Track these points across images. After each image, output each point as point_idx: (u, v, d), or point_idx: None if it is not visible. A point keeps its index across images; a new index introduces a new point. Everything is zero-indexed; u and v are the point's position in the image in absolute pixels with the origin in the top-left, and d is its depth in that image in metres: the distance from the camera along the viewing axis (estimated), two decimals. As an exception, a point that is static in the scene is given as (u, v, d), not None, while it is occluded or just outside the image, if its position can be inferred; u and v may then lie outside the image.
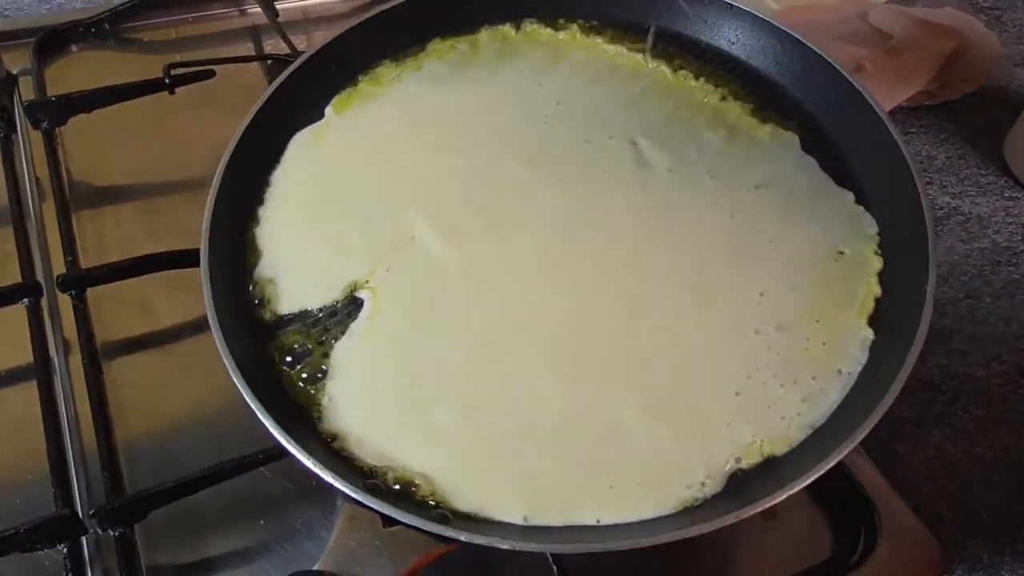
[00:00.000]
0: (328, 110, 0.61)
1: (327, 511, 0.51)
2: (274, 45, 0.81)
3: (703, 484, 0.44)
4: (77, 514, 0.46)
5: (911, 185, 0.52)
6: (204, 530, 0.49)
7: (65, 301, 0.57)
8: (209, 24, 0.85)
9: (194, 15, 0.83)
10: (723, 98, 0.61)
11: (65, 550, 0.46)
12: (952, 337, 0.64)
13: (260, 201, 0.56)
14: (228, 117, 0.75)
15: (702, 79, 0.62)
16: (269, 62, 0.73)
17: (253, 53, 0.81)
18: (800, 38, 0.59)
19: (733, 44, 0.63)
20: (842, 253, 0.52)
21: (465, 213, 0.55)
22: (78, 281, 0.57)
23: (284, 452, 0.48)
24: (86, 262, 0.61)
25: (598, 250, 0.53)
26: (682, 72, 0.62)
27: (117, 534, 0.46)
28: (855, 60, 0.80)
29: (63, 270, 0.59)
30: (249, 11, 0.85)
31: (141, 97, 0.69)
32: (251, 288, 0.52)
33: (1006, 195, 0.76)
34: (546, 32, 0.65)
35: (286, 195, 0.57)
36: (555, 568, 0.45)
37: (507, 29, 0.65)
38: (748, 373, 0.48)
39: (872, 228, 0.53)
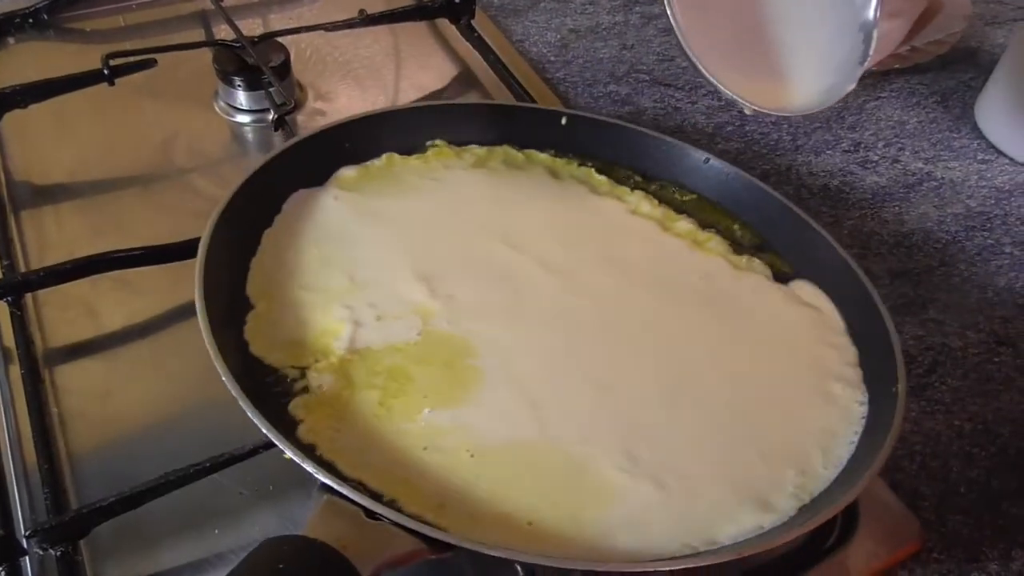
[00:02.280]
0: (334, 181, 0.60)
1: (287, 518, 0.49)
2: (227, 31, 0.78)
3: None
4: (14, 534, 0.43)
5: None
6: (155, 543, 0.47)
7: (2, 308, 0.54)
8: (155, 11, 0.81)
9: (138, 2, 0.79)
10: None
11: (4, 573, 0.44)
12: (927, 307, 0.63)
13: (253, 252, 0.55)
14: (175, 107, 0.72)
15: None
16: (215, 48, 0.70)
17: (203, 39, 0.78)
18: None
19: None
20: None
21: (464, 288, 0.54)
22: (14, 287, 0.54)
23: (235, 459, 0.46)
24: (27, 265, 0.58)
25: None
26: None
27: (59, 553, 0.44)
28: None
29: (-1, 275, 0.56)
30: (194, -4, 0.82)
31: (80, 90, 0.66)
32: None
33: (979, 158, 0.75)
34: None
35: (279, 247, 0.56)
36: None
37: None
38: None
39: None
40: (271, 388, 0.48)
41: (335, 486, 0.39)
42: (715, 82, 0.55)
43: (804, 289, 0.57)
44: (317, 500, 0.40)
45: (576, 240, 0.58)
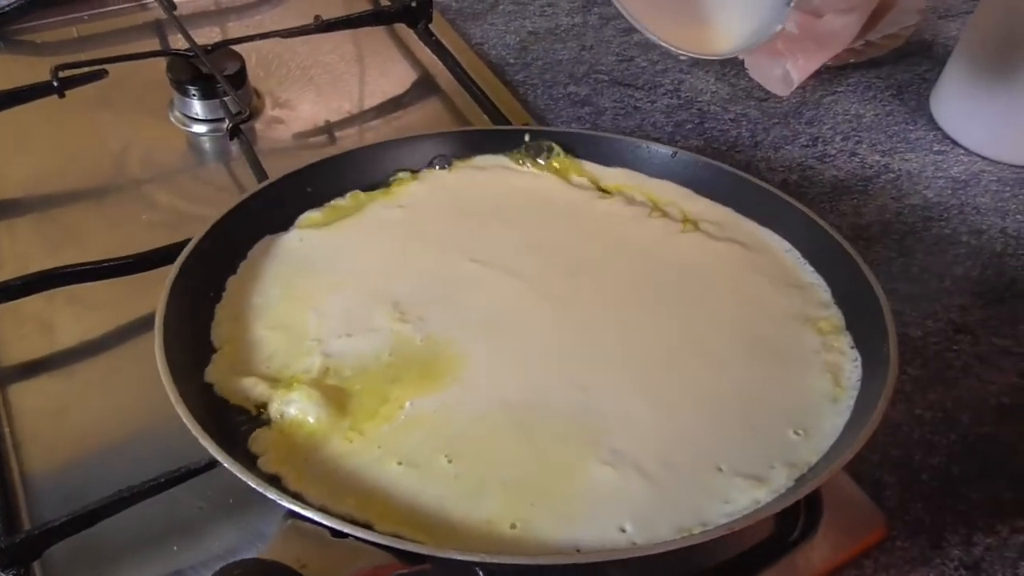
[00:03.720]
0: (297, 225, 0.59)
1: (248, 531, 0.48)
2: (183, 41, 0.77)
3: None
4: (-39, 559, 0.42)
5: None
6: (113, 562, 0.46)
7: (-49, 327, 0.54)
8: (109, 21, 0.81)
9: (89, 12, 0.78)
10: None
11: (-46, 599, 0.43)
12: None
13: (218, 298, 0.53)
14: (129, 118, 0.72)
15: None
16: (168, 58, 0.69)
17: (158, 49, 0.77)
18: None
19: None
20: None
21: (433, 307, 0.53)
22: (-37, 306, 0.53)
23: (191, 473, 0.46)
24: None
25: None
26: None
27: (11, 576, 0.43)
28: (779, 22, 0.78)
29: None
30: (150, 5, 0.81)
31: (30, 102, 0.65)
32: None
33: (935, 149, 0.76)
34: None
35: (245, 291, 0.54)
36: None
37: None
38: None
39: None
40: (235, 421, 0.47)
41: (300, 511, 0.38)
42: (645, 30, 0.55)
43: (786, 260, 0.58)
44: (281, 524, 0.40)
45: (546, 239, 0.58)
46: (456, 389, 0.48)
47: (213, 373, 0.49)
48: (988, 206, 0.71)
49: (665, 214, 0.61)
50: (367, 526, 0.41)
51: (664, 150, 0.63)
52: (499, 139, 0.64)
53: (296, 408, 0.46)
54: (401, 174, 0.62)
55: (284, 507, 0.39)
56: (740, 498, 0.43)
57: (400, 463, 0.44)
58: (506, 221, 0.60)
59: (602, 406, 0.48)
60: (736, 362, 0.51)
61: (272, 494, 0.39)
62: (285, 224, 0.58)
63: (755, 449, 0.46)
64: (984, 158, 0.75)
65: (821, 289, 0.56)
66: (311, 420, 0.46)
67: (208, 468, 0.45)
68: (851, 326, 0.53)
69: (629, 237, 0.59)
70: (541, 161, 0.64)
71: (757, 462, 0.45)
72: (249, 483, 0.40)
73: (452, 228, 0.59)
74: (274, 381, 0.48)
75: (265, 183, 0.57)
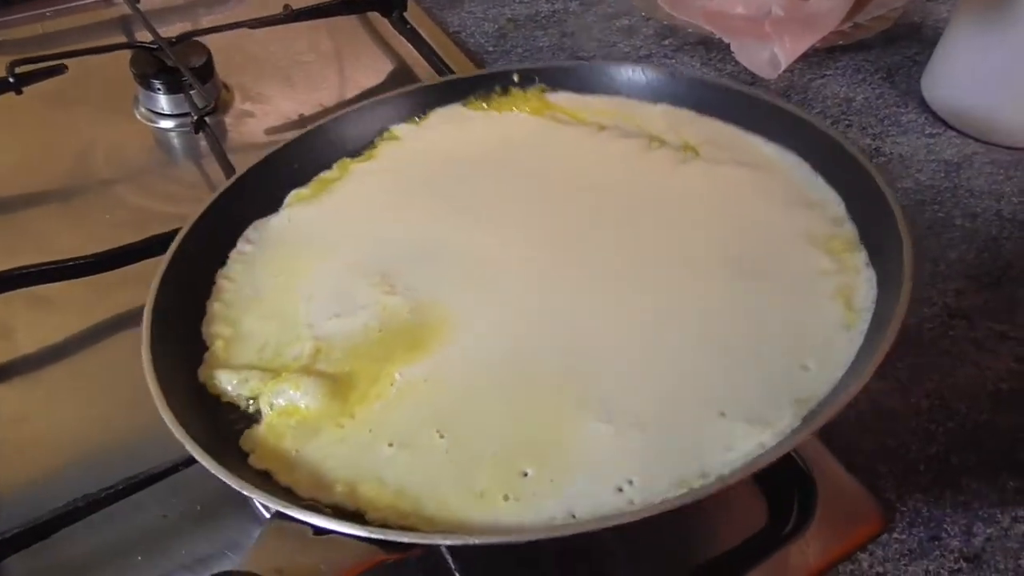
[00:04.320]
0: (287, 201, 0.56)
1: (217, 539, 0.46)
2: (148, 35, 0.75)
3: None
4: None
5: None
6: (73, 574, 0.44)
7: (-96, 333, 0.51)
8: (73, 17, 0.79)
9: (52, 9, 0.76)
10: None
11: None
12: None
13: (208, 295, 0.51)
14: (93, 115, 0.69)
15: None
16: (132, 51, 0.67)
17: (120, 42, 0.75)
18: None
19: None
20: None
21: (422, 275, 0.50)
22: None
23: (152, 479, 0.44)
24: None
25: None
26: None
27: (-38, 592, 0.41)
28: (766, 5, 0.77)
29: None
30: (115, 0, 0.79)
31: (-15, 101, 0.63)
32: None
33: (927, 132, 0.74)
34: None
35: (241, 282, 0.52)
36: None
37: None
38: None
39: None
40: (228, 420, 0.44)
41: (285, 511, 0.36)
42: None
43: (795, 176, 0.54)
44: (266, 525, 0.38)
45: (537, 184, 0.55)
46: (444, 353, 0.45)
47: (204, 372, 0.46)
48: (982, 189, 0.69)
49: (663, 143, 0.57)
50: (358, 514, 0.39)
51: (662, 71, 0.60)
52: (484, 83, 0.62)
53: (285, 399, 0.44)
54: (385, 134, 0.60)
55: (259, 502, 0.37)
56: (743, 444, 0.39)
57: (391, 444, 0.42)
58: (495, 170, 0.57)
59: (596, 357, 0.44)
60: (741, 298, 0.47)
61: (249, 491, 0.37)
62: (275, 205, 0.55)
63: (761, 389, 0.42)
64: (977, 140, 0.73)
65: (834, 204, 0.51)
66: (301, 409, 0.44)
67: (169, 473, 0.43)
68: (865, 241, 0.48)
69: (625, 174, 0.55)
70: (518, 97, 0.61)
71: (763, 403, 0.41)
72: (228, 482, 0.37)
73: (436, 183, 0.56)
74: (265, 372, 0.46)
75: (241, 171, 0.55)
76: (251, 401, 0.45)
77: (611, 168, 0.56)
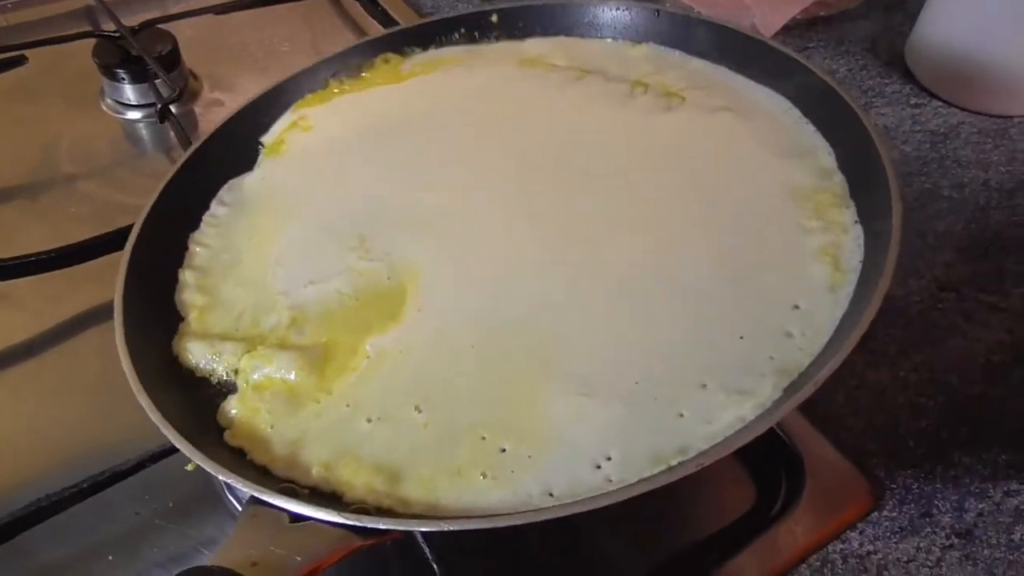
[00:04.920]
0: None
1: (190, 536, 0.45)
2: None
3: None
4: None
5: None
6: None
7: None
8: (37, 9, 0.77)
9: (12, 1, 0.74)
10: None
11: None
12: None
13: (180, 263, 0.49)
14: (57, 108, 0.68)
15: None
16: (95, 41, 0.65)
17: (83, 31, 0.73)
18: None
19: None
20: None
21: (398, 238, 0.48)
22: None
23: (118, 476, 0.42)
24: None
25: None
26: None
27: (-78, 599, 0.40)
28: (744, -22, 0.75)
29: None
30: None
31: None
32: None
33: (912, 103, 0.72)
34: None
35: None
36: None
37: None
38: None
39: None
40: (204, 395, 0.43)
41: (260, 496, 0.35)
42: None
43: (784, 121, 0.51)
44: (244, 511, 0.36)
45: (515, 136, 0.53)
46: (419, 322, 0.44)
47: (178, 344, 0.45)
48: (969, 159, 0.68)
49: (647, 89, 0.54)
50: (335, 495, 0.38)
51: (648, 9, 0.57)
52: (458, 26, 0.60)
53: (260, 374, 0.42)
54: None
55: (236, 488, 0.36)
56: (724, 416, 0.38)
57: (369, 420, 0.40)
58: (467, 123, 0.54)
59: (572, 324, 0.42)
60: (722, 259, 0.44)
61: (223, 474, 0.36)
62: (249, 164, 0.54)
63: (742, 358, 0.40)
64: (963, 109, 0.72)
65: (824, 153, 0.49)
66: (277, 384, 0.42)
67: (137, 470, 0.42)
68: (855, 196, 0.46)
69: (604, 125, 0.53)
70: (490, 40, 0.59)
71: (744, 373, 0.39)
72: (200, 463, 0.37)
73: (408, 137, 0.54)
74: (240, 344, 0.44)
75: (212, 130, 0.53)
76: (226, 376, 0.43)
77: (590, 118, 0.54)
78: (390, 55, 0.59)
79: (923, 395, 0.53)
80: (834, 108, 0.48)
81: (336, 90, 0.58)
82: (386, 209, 0.50)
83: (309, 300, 0.46)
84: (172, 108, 0.58)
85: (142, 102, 0.65)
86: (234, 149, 0.53)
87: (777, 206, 0.46)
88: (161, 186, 0.49)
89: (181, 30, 0.69)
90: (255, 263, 0.48)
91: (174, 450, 0.42)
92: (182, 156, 0.51)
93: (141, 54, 0.61)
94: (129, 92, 0.64)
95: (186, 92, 0.62)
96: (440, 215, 0.49)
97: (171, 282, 0.47)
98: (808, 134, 0.50)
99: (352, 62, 0.59)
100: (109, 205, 0.60)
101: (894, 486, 0.48)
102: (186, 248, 0.49)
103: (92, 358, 0.52)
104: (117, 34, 0.64)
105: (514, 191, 0.49)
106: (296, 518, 0.35)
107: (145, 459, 0.41)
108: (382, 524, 0.35)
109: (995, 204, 0.64)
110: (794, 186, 0.47)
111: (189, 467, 0.48)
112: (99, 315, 0.54)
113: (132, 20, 0.67)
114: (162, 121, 0.60)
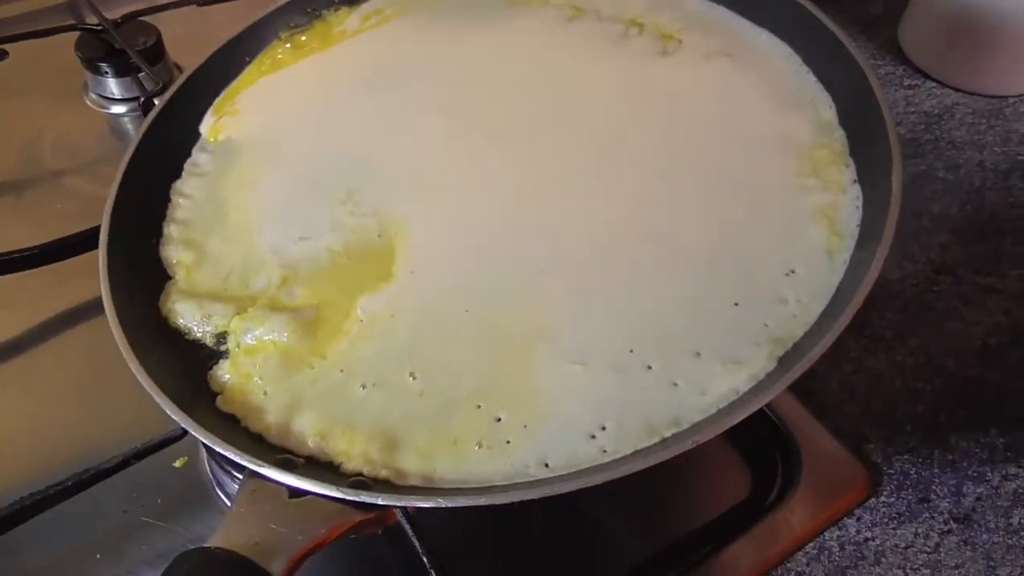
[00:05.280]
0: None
1: (179, 533, 0.45)
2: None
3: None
4: None
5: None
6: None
7: None
8: (17, 5, 0.75)
9: (-7, -6, 0.73)
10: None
11: None
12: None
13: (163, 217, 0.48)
14: (41, 103, 0.67)
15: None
16: (78, 35, 0.64)
17: (64, 24, 0.72)
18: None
19: None
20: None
21: (384, 192, 0.47)
22: None
23: (103, 474, 0.41)
24: None
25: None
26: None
27: (-95, 602, 0.39)
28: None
29: None
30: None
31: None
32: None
33: (905, 84, 0.72)
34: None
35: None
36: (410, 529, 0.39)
37: None
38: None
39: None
40: (196, 358, 0.42)
41: (259, 470, 0.34)
42: None
43: (785, 70, 0.49)
44: (243, 486, 0.36)
45: (494, 82, 0.51)
46: (412, 283, 0.43)
47: (167, 304, 0.44)
48: (964, 140, 0.67)
49: (642, 30, 0.52)
50: (331, 465, 0.37)
51: None
52: None
53: (253, 337, 0.41)
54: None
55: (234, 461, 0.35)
56: (717, 386, 0.37)
57: (364, 386, 0.40)
58: (456, 67, 0.52)
59: (564, 288, 0.41)
60: (716, 219, 0.43)
61: (220, 446, 0.35)
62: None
63: (737, 325, 0.39)
64: (958, 90, 0.71)
65: (825, 106, 0.47)
66: (270, 347, 0.41)
67: (121, 467, 0.41)
68: (855, 154, 0.44)
69: (595, 69, 0.51)
70: None
71: (739, 340, 0.38)
72: (195, 433, 0.36)
73: (392, 80, 0.52)
74: (229, 305, 0.43)
75: (184, 77, 0.52)
76: (217, 339, 0.42)
77: (582, 65, 0.51)
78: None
79: (920, 379, 0.52)
80: (838, 59, 0.46)
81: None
82: (372, 163, 0.48)
83: (300, 258, 0.44)
84: (156, 102, 0.57)
85: (126, 96, 0.64)
86: (215, 87, 0.53)
87: (774, 162, 0.45)
88: (142, 131, 0.48)
89: (166, 23, 0.68)
90: (241, 217, 0.47)
91: (159, 447, 0.42)
92: (161, 99, 0.50)
93: (124, 47, 0.60)
94: (113, 86, 0.64)
95: (170, 85, 0.61)
96: (427, 171, 0.47)
97: (156, 237, 0.47)
98: (809, 84, 0.48)
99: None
100: (95, 200, 0.59)
101: (891, 472, 0.48)
102: (169, 200, 0.48)
103: (80, 355, 0.51)
104: (100, 27, 0.63)
105: (502, 145, 0.48)
106: (296, 493, 0.35)
107: (130, 456, 0.41)
108: (381, 500, 0.34)
109: (990, 185, 0.63)
110: (792, 140, 0.45)
111: (178, 464, 0.48)
112: (86, 311, 0.53)
113: (115, 13, 0.66)
114: (145, 114, 0.59)
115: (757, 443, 0.49)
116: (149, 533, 0.44)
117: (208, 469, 0.47)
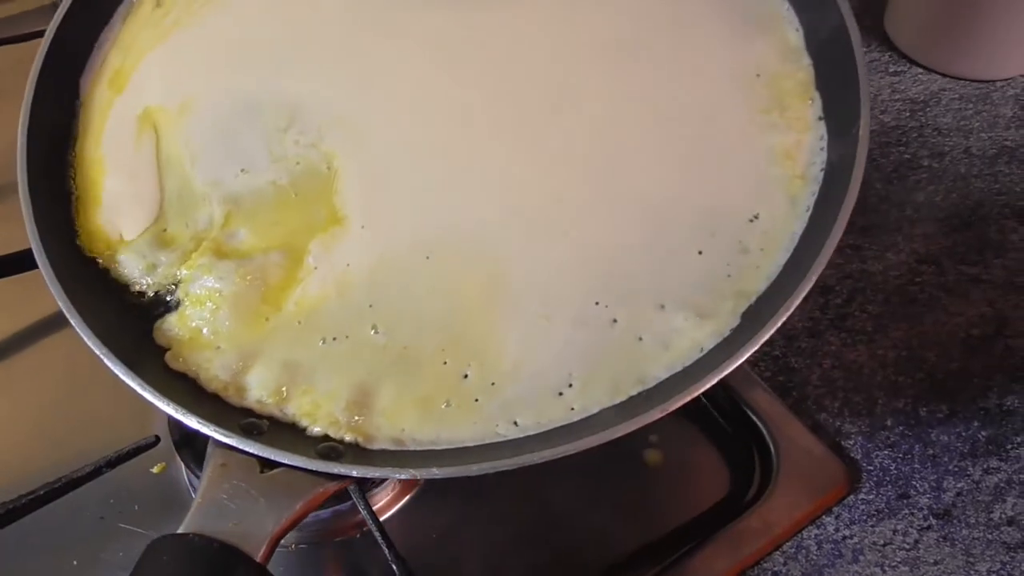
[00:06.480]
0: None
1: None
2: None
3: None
4: None
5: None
6: (3, 587, 0.43)
7: None
8: (3, 7, 0.75)
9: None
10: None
11: None
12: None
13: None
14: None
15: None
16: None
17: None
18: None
19: None
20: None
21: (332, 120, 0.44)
22: None
23: (75, 483, 0.41)
24: None
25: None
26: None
27: None
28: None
29: None
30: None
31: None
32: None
33: (891, 71, 0.71)
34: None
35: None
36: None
37: None
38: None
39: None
40: (138, 305, 0.40)
41: (226, 440, 0.33)
42: None
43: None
44: (211, 459, 0.35)
45: (429, 17, 0.47)
46: (368, 226, 0.40)
47: (88, 242, 0.41)
48: (950, 126, 0.66)
49: None
50: (295, 426, 0.36)
51: None
52: None
53: (200, 286, 0.39)
54: None
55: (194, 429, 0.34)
56: (680, 341, 0.36)
57: (324, 340, 0.38)
58: None
59: (524, 236, 0.40)
60: (677, 165, 0.41)
61: (175, 409, 0.33)
62: None
63: (701, 275, 0.38)
64: (944, 75, 0.70)
65: (791, 28, 0.43)
66: (218, 298, 0.39)
67: (93, 476, 0.41)
68: (820, 88, 0.41)
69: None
70: None
71: (703, 291, 0.37)
72: (147, 396, 0.34)
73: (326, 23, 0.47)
74: (171, 249, 0.41)
75: None
76: (165, 291, 0.40)
77: None
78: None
79: (901, 373, 0.52)
80: None
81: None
82: (316, 96, 0.45)
83: (242, 191, 0.41)
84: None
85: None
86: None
87: (734, 92, 0.42)
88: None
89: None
90: (170, 141, 0.44)
91: (132, 455, 0.42)
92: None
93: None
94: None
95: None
96: (369, 108, 0.44)
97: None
98: (774, 1, 0.44)
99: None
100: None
101: (871, 468, 0.48)
102: (77, 97, 0.46)
103: (58, 364, 0.51)
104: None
105: (447, 83, 0.44)
106: (268, 464, 0.34)
107: (102, 465, 0.41)
108: (356, 471, 0.33)
109: (976, 172, 0.62)
110: (756, 67, 0.42)
111: (155, 469, 0.48)
112: (63, 320, 0.53)
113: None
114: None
115: (734, 440, 0.49)
116: (124, 539, 0.44)
117: (185, 475, 0.47)
